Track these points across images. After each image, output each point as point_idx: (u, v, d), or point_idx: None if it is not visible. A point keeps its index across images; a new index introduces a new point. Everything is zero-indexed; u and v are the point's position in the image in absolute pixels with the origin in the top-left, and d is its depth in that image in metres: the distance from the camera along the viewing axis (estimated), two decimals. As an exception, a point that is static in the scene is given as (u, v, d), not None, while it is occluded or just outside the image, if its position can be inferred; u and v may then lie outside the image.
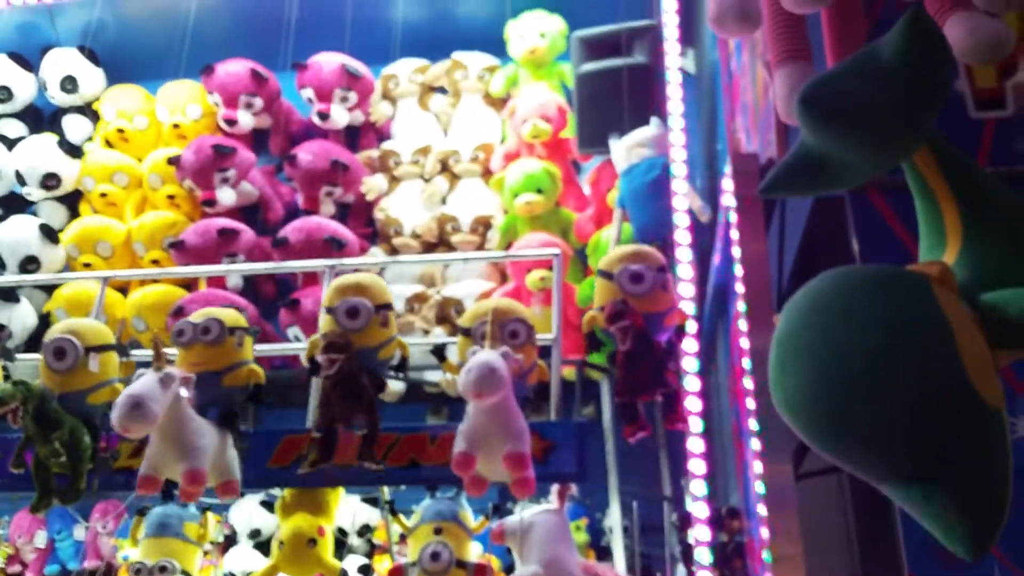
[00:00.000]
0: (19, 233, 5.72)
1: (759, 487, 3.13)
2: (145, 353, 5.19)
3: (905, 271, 1.66)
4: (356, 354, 3.39)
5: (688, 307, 4.16)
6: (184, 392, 3.33)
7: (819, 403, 1.52)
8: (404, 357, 3.69)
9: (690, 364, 3.96)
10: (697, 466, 3.80)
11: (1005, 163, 2.72)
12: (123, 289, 5.66)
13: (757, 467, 3.21)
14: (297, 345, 5.11)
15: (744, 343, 3.40)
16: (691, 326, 4.26)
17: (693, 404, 3.83)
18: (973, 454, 1.47)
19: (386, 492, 4.68)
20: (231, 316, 3.74)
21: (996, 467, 1.48)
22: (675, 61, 4.68)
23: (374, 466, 3.53)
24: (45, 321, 5.59)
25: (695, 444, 3.83)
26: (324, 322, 3.57)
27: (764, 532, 3.07)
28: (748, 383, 3.38)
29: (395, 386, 5.23)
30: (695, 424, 3.88)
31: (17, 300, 5.68)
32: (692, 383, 3.87)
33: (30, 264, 5.68)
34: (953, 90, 2.67)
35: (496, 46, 5.80)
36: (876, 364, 1.47)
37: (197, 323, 3.63)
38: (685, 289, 4.34)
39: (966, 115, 2.81)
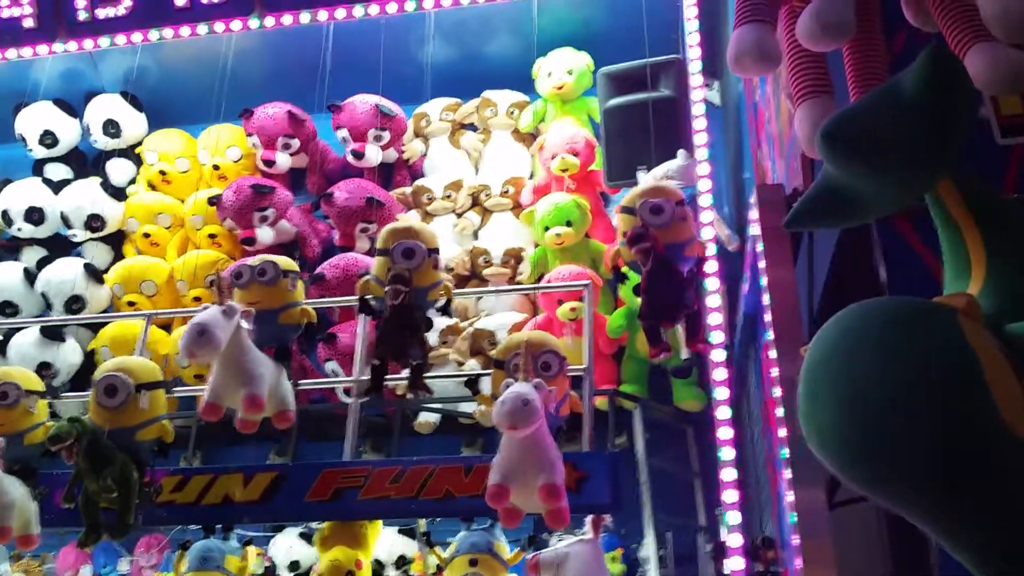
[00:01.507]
0: (65, 274, 5.91)
1: (792, 516, 3.15)
2: (190, 389, 5.35)
3: (932, 304, 1.68)
4: (413, 289, 3.68)
5: (717, 336, 4.21)
6: (245, 324, 3.60)
7: (848, 435, 1.55)
8: (448, 299, 3.97)
9: (722, 393, 3.99)
10: (731, 496, 3.82)
11: (1034, 189, 2.70)
12: (166, 326, 5.80)
13: (790, 496, 3.23)
14: (335, 380, 5.21)
15: (774, 371, 3.43)
16: (720, 354, 4.30)
17: (725, 433, 3.86)
18: (1003, 486, 1.48)
19: (423, 524, 4.75)
20: (284, 260, 4.10)
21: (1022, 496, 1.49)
22: (699, 94, 4.76)
23: (424, 394, 3.83)
24: (90, 359, 5.74)
25: (728, 473, 3.86)
26: (377, 263, 3.87)
27: (798, 562, 3.09)
28: (780, 411, 3.41)
29: (430, 418, 5.31)
30: (728, 452, 3.91)
31: (63, 339, 5.84)
32: (723, 412, 3.91)
33: (75, 303, 5.86)
34: (979, 117, 2.69)
35: (524, 83, 5.92)
36: (905, 397, 1.49)
37: (254, 265, 3.99)
38: (714, 318, 4.39)
39: (992, 142, 2.82)
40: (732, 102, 5.41)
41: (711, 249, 4.26)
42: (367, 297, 3.83)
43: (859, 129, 1.83)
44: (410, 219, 4.09)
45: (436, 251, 3.92)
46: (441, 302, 3.94)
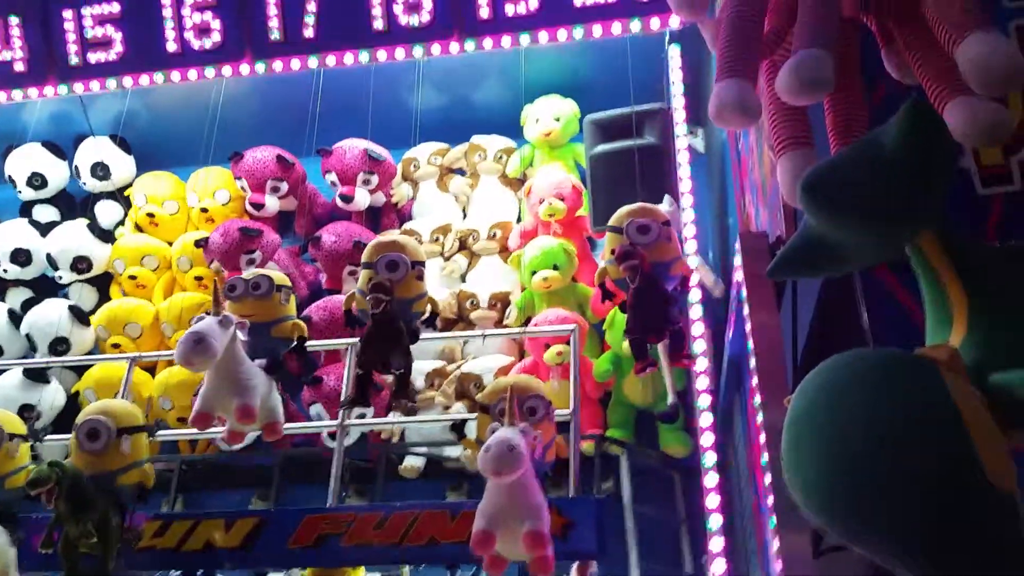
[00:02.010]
0: (50, 315, 5.89)
1: (778, 564, 3.14)
2: (172, 433, 5.31)
3: (914, 357, 1.69)
4: (396, 300, 3.72)
5: (702, 381, 4.22)
6: (240, 335, 3.64)
7: (832, 488, 1.56)
8: (434, 312, 4.06)
9: (707, 439, 3.99)
10: (717, 543, 3.81)
11: (1014, 238, 2.73)
12: (151, 369, 5.77)
13: (775, 544, 3.22)
14: (319, 424, 5.19)
15: (759, 418, 3.44)
16: (706, 399, 4.31)
17: (711, 479, 3.85)
18: (987, 539, 1.49)
19: (406, 572, 4.70)
20: (278, 275, 4.17)
21: (1007, 550, 1.50)
22: (684, 142, 4.83)
23: (408, 403, 3.89)
24: (74, 401, 5.70)
25: (714, 520, 3.84)
26: (363, 276, 3.92)
27: (784, 609, 3.07)
28: (764, 458, 3.41)
29: (415, 462, 5.28)
30: (713, 499, 3.91)
31: (47, 381, 5.80)
32: (709, 458, 3.91)
33: (60, 345, 5.83)
34: (960, 167, 2.73)
35: (512, 129, 5.99)
36: (888, 451, 1.51)
37: (248, 279, 4.02)
38: (700, 363, 4.40)
39: (973, 192, 2.85)
40: (716, 150, 5.48)
41: (694, 261, 4.37)
42: (353, 310, 3.91)
43: (839, 182, 1.86)
44: (395, 235, 4.19)
45: (421, 263, 3.98)
46: (426, 314, 4.01)
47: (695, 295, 4.70)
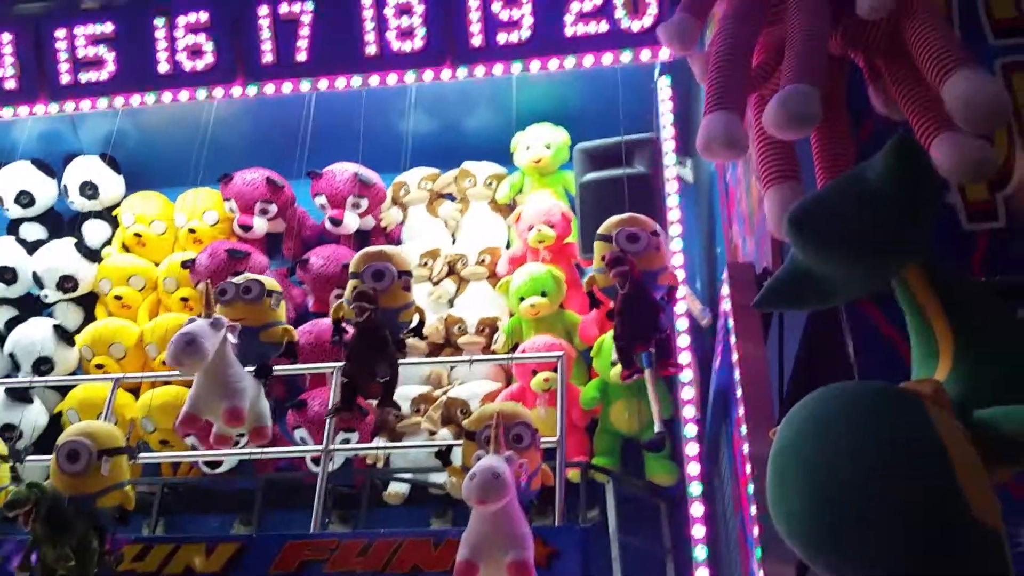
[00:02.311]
0: (34, 335, 5.84)
1: (762, 595, 3.12)
2: (154, 456, 5.26)
3: (899, 391, 1.70)
4: (381, 310, 3.74)
5: (689, 410, 4.22)
6: (231, 338, 3.65)
7: (815, 519, 1.56)
8: (421, 321, 4.07)
9: (693, 469, 3.99)
10: (702, 574, 3.79)
11: (999, 274, 2.75)
12: (135, 390, 5.73)
13: (761, 575, 3.21)
14: (303, 448, 5.15)
15: (745, 448, 3.44)
16: (692, 428, 4.30)
17: (696, 509, 3.84)
18: (968, 573, 1.49)
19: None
20: (269, 281, 4.16)
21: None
22: (673, 171, 4.86)
23: (394, 411, 3.71)
24: (57, 421, 5.64)
25: (700, 551, 3.83)
26: (349, 287, 3.93)
27: (768, 642, 3.05)
28: (750, 489, 3.41)
29: (399, 489, 5.24)
30: (699, 530, 3.89)
31: (30, 401, 5.74)
32: (695, 488, 3.90)
33: (44, 365, 5.78)
34: (946, 203, 2.75)
35: (503, 155, 6.01)
36: (872, 484, 1.51)
37: (239, 283, 4.03)
38: (687, 392, 4.40)
39: (959, 227, 2.87)
40: (704, 180, 5.52)
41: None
42: (341, 321, 3.93)
43: (825, 216, 1.87)
44: (383, 245, 4.25)
45: (408, 274, 4.01)
46: (413, 323, 4.03)
47: (683, 324, 4.71)
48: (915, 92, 2.32)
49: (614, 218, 4.11)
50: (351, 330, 3.90)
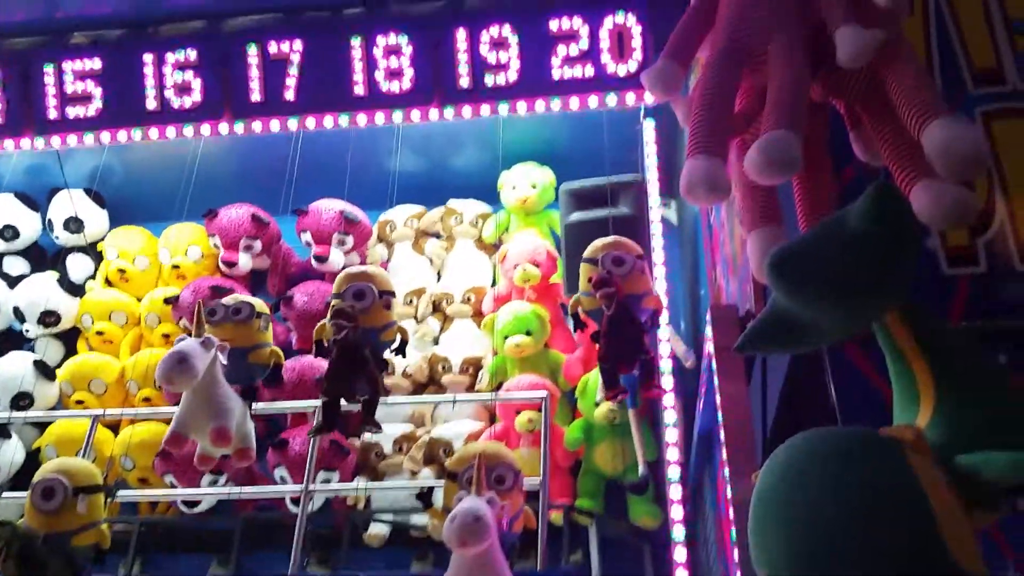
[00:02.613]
0: (14, 369, 5.77)
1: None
2: (133, 494, 5.18)
3: (880, 436, 1.71)
4: (361, 329, 3.75)
5: (673, 453, 4.20)
6: (221, 358, 3.68)
7: (797, 565, 1.56)
8: (404, 341, 4.06)
9: (677, 512, 3.96)
10: (685, 618, 3.75)
11: (979, 319, 2.76)
12: (114, 427, 5.66)
13: (743, 620, 3.18)
14: (283, 488, 5.10)
15: (728, 492, 3.42)
16: (676, 471, 4.28)
17: (680, 554, 3.82)
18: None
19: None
20: (258, 302, 4.21)
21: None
22: (658, 213, 4.89)
23: (373, 430, 3.87)
24: (34, 457, 5.57)
25: (683, 595, 3.80)
26: (331, 307, 3.94)
27: None
28: (733, 533, 3.38)
29: (380, 530, 5.18)
30: (682, 575, 3.86)
31: (8, 436, 5.66)
32: (678, 531, 3.87)
33: (22, 400, 5.71)
34: (926, 247, 2.78)
35: (489, 194, 6.04)
36: (852, 530, 1.52)
37: (229, 304, 4.07)
38: (670, 434, 4.39)
39: (939, 272, 2.89)
40: (689, 222, 5.55)
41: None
42: (324, 341, 3.92)
43: (806, 259, 1.89)
44: (366, 266, 4.42)
45: (390, 293, 4.05)
46: (396, 343, 4.03)
47: (667, 365, 4.71)
48: (895, 139, 2.34)
49: (599, 241, 4.20)
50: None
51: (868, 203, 1.81)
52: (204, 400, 3.61)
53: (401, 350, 4.08)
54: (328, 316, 3.84)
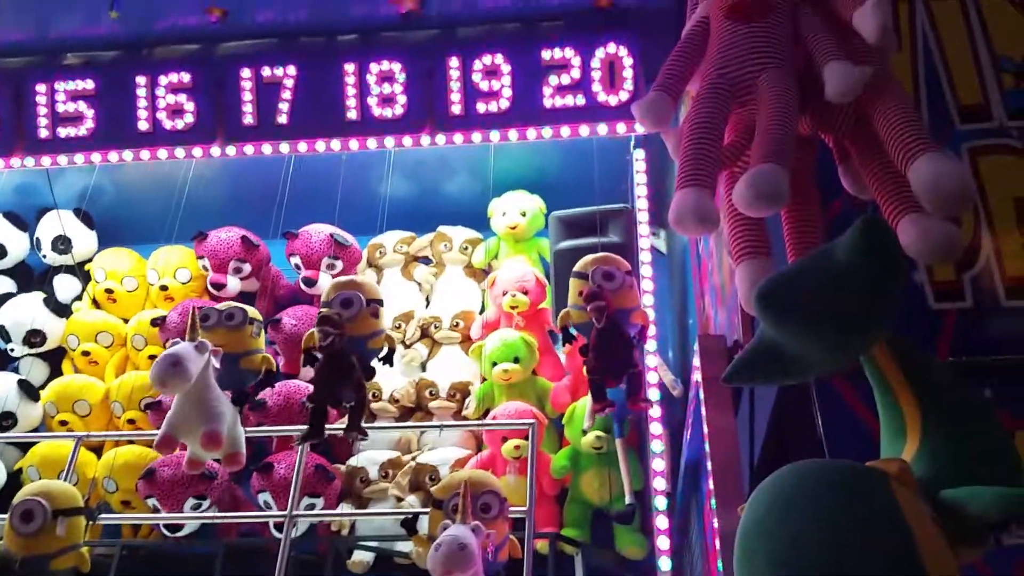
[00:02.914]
0: (-3, 389, 5.73)
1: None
2: (115, 517, 5.13)
3: (865, 469, 1.71)
4: (348, 337, 3.78)
5: (660, 482, 4.19)
6: (214, 362, 3.70)
7: (782, 598, 1.55)
8: (391, 349, 4.11)
9: (663, 543, 3.94)
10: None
11: (966, 354, 2.77)
12: (98, 449, 5.61)
13: (729, 653, 3.16)
14: (266, 514, 5.05)
15: (715, 523, 3.41)
16: (662, 501, 4.27)
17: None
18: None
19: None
20: (251, 309, 4.24)
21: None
22: (647, 242, 4.91)
23: (359, 436, 3.90)
24: (16, 478, 5.51)
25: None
26: (320, 314, 3.94)
27: None
28: (719, 564, 3.37)
29: (364, 557, 5.14)
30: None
31: (-11, 457, 5.61)
32: (664, 563, 3.85)
33: (6, 420, 5.65)
34: (913, 282, 2.79)
35: (479, 221, 6.05)
36: (837, 563, 1.51)
37: (222, 310, 4.15)
38: (657, 464, 4.38)
39: (927, 306, 2.90)
40: (678, 251, 5.58)
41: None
42: (312, 349, 3.97)
43: (792, 292, 1.90)
44: (355, 276, 4.57)
45: (378, 302, 4.12)
46: (383, 352, 4.07)
47: (655, 394, 4.71)
48: (883, 173, 2.37)
49: (589, 256, 4.31)
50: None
51: (855, 236, 1.82)
52: (196, 403, 3.63)
53: (388, 358, 4.12)
54: (316, 323, 3.87)
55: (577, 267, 4.31)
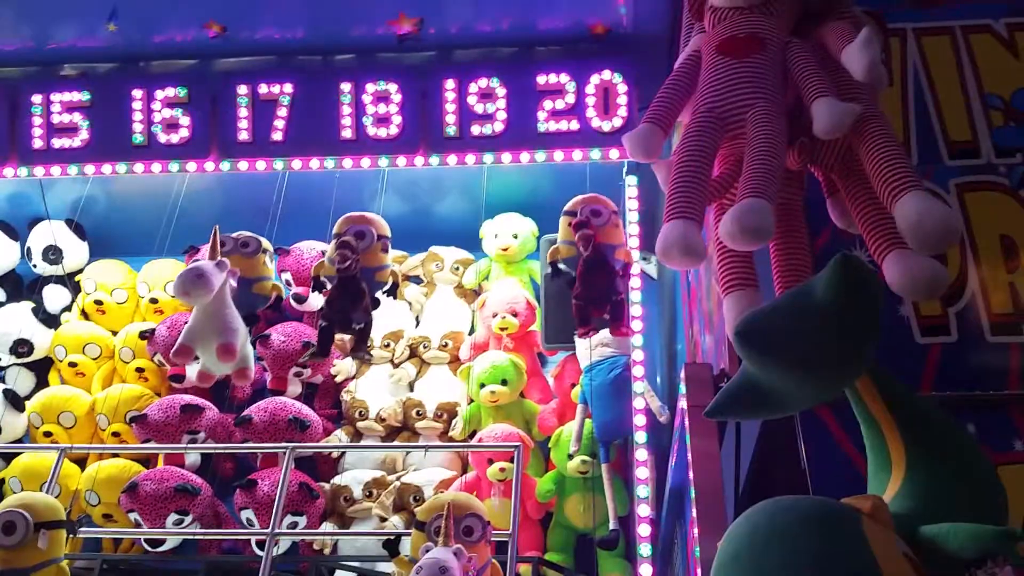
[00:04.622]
0: (-19, 399, 5.70)
1: None
2: (96, 531, 5.09)
3: (839, 507, 1.71)
4: (361, 266, 4.19)
5: (644, 509, 4.18)
6: (232, 282, 4.09)
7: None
8: (395, 283, 4.59)
9: (645, 571, 3.93)
10: None
11: (950, 388, 2.78)
12: (81, 461, 5.58)
13: None
14: (248, 531, 5.02)
15: (697, 551, 3.41)
16: (646, 528, 4.25)
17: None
18: None
19: None
20: (264, 240, 4.78)
21: None
22: (637, 268, 4.93)
23: (366, 357, 4.46)
24: (-1, 489, 5.47)
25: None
26: (331, 247, 4.43)
27: None
28: (701, 593, 3.36)
29: (346, 576, 5.11)
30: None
31: (-29, 467, 5.57)
32: (647, 588, 3.84)
33: (-11, 429, 5.62)
34: (899, 315, 2.81)
35: (471, 242, 6.07)
36: None
37: (237, 238, 4.70)
38: (642, 490, 4.37)
39: (912, 340, 2.92)
40: (668, 277, 5.59)
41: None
42: (321, 277, 4.36)
43: (771, 328, 1.92)
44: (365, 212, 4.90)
45: (387, 238, 4.54)
46: (388, 285, 4.46)
47: (641, 420, 4.71)
48: (869, 209, 2.38)
49: (579, 197, 4.78)
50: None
51: (831, 273, 1.84)
52: (214, 317, 3.93)
53: (393, 292, 4.51)
54: (329, 254, 4.26)
55: (567, 207, 4.73)
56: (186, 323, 5.59)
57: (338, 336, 5.98)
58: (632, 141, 2.44)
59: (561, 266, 4.67)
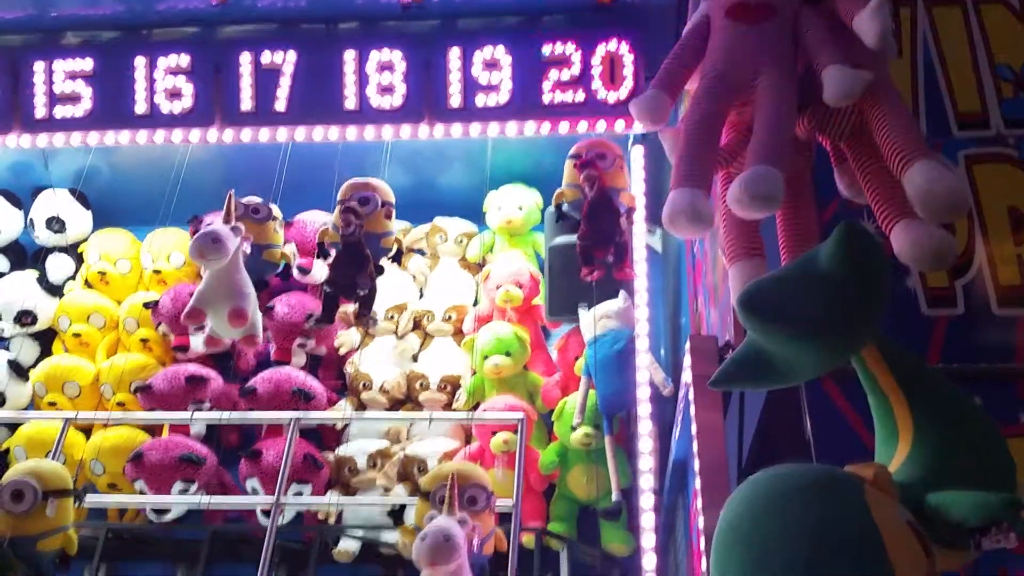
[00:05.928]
0: (-14, 368, 5.71)
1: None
2: (101, 500, 5.12)
3: (841, 474, 1.71)
4: (365, 232, 4.24)
5: (647, 480, 4.19)
6: (245, 248, 4.15)
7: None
8: (400, 250, 4.66)
9: (648, 540, 3.95)
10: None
11: (956, 360, 2.78)
12: (86, 430, 5.60)
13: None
14: (255, 499, 5.05)
15: (700, 522, 3.42)
16: (649, 499, 4.27)
17: (650, 583, 3.80)
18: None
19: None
20: (275, 207, 4.85)
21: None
22: (642, 240, 4.91)
23: (371, 322, 4.46)
24: (3, 458, 5.50)
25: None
26: (336, 213, 4.47)
27: None
28: (703, 564, 3.38)
29: (349, 547, 5.14)
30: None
31: (-24, 435, 5.60)
32: (649, 560, 3.86)
33: (-6, 399, 5.64)
34: (906, 287, 2.79)
35: (475, 214, 6.04)
36: (803, 566, 1.52)
37: (248, 204, 4.71)
38: (645, 462, 4.38)
39: (919, 312, 2.90)
40: (673, 250, 5.57)
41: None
42: (325, 243, 4.43)
43: (775, 297, 1.90)
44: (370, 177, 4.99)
45: (391, 204, 4.60)
46: (392, 251, 4.51)
47: (645, 392, 4.72)
48: (878, 178, 2.36)
49: (583, 141, 4.85)
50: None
51: (835, 242, 1.83)
52: (226, 282, 3.98)
53: (397, 258, 4.57)
54: (334, 219, 4.29)
55: (572, 151, 4.81)
56: (190, 294, 5.66)
57: (342, 308, 6.03)
58: (639, 107, 2.42)
59: (565, 208, 4.70)
